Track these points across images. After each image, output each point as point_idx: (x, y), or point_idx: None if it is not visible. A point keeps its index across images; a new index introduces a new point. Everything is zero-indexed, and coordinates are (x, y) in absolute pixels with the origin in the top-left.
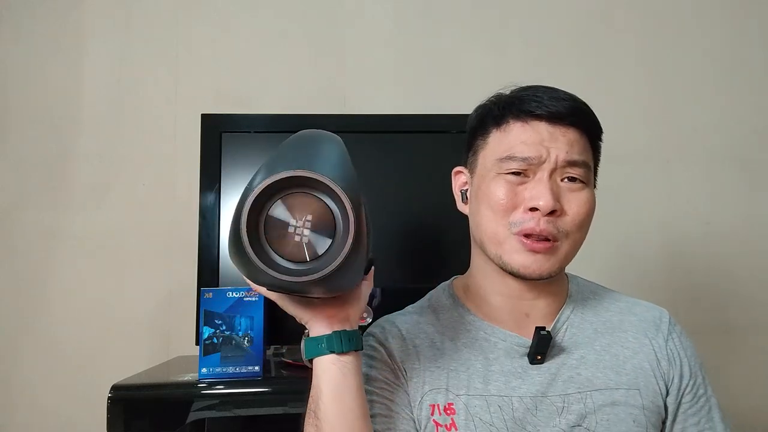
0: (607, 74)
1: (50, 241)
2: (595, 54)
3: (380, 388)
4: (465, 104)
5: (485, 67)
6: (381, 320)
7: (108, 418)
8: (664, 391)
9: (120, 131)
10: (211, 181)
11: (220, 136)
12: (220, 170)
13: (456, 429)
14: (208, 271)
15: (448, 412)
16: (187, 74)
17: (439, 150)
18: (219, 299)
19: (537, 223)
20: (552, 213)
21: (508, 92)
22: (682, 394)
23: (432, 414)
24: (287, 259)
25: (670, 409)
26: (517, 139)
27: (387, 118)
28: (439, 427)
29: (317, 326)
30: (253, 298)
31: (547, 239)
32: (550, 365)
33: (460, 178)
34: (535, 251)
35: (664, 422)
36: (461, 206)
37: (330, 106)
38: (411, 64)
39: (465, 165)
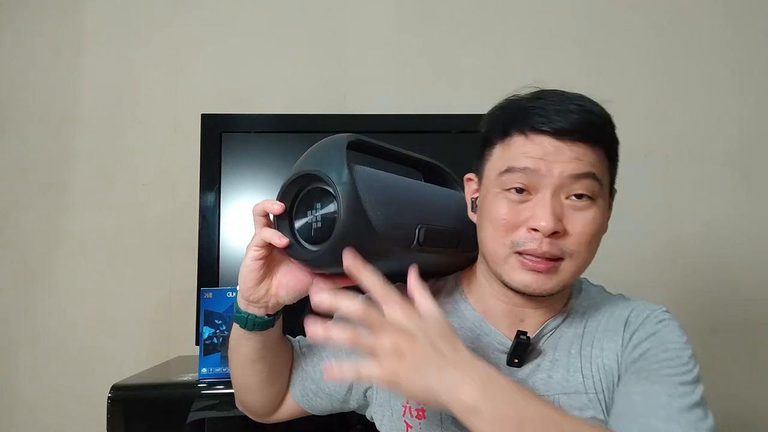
0: (607, 74)
1: (50, 241)
2: (595, 54)
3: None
4: (465, 104)
5: (485, 67)
6: None
7: (108, 418)
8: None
9: (120, 131)
10: (211, 181)
11: (220, 136)
12: (220, 170)
13: (423, 403)
14: (208, 271)
15: None
16: (187, 74)
17: (440, 150)
18: (219, 299)
19: (539, 244)
20: (554, 234)
21: (521, 95)
22: (626, 366)
23: None
24: (316, 244)
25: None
26: (518, 152)
27: (387, 118)
28: (409, 399)
29: None
30: None
31: (549, 259)
32: (524, 368)
33: (471, 185)
34: (536, 270)
35: None
36: (471, 214)
37: (330, 106)
38: (411, 64)
39: (476, 172)
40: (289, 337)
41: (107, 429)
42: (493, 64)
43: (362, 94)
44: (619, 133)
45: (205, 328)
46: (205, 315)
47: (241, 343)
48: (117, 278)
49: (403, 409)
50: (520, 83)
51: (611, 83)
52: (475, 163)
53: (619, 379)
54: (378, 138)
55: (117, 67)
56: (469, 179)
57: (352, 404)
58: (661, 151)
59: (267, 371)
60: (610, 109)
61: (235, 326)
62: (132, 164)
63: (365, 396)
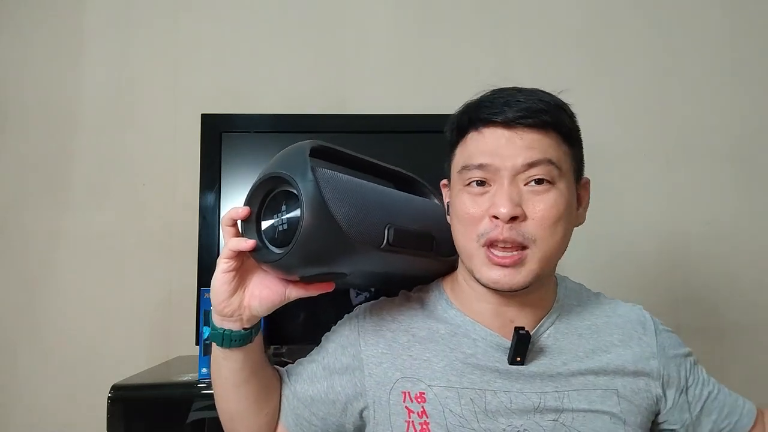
0: (607, 74)
1: (50, 241)
2: (596, 54)
3: (322, 357)
4: None
5: (485, 67)
6: (366, 304)
7: (108, 418)
8: (656, 387)
9: (120, 131)
10: (211, 181)
11: (220, 136)
12: (220, 170)
13: (427, 416)
14: (208, 271)
15: (419, 400)
16: (187, 74)
17: (439, 150)
18: None
19: (500, 231)
20: (514, 219)
21: (479, 96)
22: (685, 388)
23: (404, 401)
24: (283, 247)
25: (679, 400)
26: (473, 148)
27: (387, 118)
28: (411, 413)
29: None
30: None
31: (513, 249)
32: (529, 367)
33: (446, 191)
34: (502, 265)
35: (657, 414)
36: (448, 218)
37: (330, 106)
38: (411, 64)
39: (448, 177)
40: (277, 366)
41: (107, 429)
42: (493, 64)
43: (362, 94)
44: (620, 132)
45: (205, 328)
46: (205, 315)
47: (222, 366)
48: (117, 278)
49: (406, 424)
50: (521, 83)
51: (611, 83)
52: (446, 168)
53: (662, 388)
54: (378, 138)
55: (117, 67)
56: (444, 185)
57: (349, 428)
58: (662, 150)
59: (253, 396)
60: (610, 107)
61: (214, 349)
62: (132, 164)
63: (361, 416)
